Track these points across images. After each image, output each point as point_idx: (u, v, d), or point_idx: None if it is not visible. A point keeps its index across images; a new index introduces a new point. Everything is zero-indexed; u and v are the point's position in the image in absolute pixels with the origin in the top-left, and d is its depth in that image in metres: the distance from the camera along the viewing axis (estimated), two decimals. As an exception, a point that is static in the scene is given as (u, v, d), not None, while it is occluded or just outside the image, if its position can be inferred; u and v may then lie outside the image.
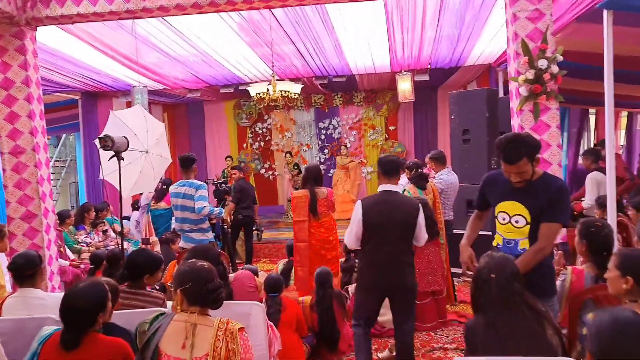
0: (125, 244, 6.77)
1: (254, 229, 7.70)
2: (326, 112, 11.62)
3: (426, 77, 8.20)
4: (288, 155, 10.55)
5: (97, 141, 3.92)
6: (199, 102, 11.82)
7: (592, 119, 8.98)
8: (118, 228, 7.04)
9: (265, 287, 3.85)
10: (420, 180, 5.07)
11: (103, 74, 7.27)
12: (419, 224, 3.24)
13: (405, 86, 7.64)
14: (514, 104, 4.39)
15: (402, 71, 6.86)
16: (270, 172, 11.91)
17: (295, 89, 6.57)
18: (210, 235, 4.90)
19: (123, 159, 3.96)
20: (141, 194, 7.21)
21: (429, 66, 7.91)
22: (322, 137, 11.69)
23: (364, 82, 9.83)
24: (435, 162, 5.39)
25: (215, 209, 4.80)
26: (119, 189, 3.97)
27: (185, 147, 12.07)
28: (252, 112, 11.78)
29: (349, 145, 11.17)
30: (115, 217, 7.56)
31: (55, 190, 12.58)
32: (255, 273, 4.16)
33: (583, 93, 6.38)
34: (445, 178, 5.26)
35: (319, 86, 9.49)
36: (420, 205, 3.38)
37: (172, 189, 4.88)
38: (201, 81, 8.12)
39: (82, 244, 6.14)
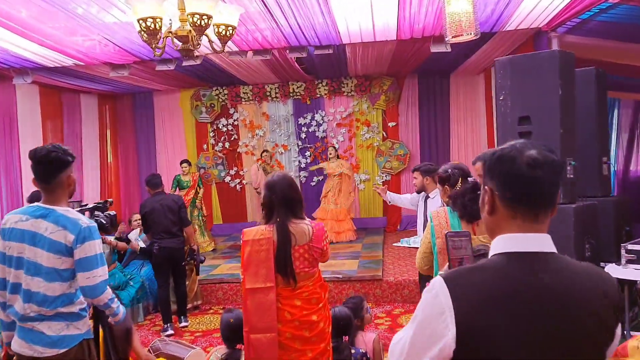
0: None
1: (184, 263, 5.21)
2: (308, 104, 9.15)
3: (446, 48, 5.82)
4: (265, 153, 8.52)
5: None
6: (147, 93, 9.31)
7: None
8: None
9: None
10: (472, 204, 2.54)
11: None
12: (616, 337, 1.13)
13: (461, 6, 3.64)
14: None
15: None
16: (238, 181, 9.40)
17: (229, 15, 3.14)
18: (85, 326, 2.34)
19: None
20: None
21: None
22: (303, 135, 9.21)
23: (357, 62, 7.38)
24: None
25: (119, 307, 2.39)
26: None
27: (130, 150, 9.54)
28: (214, 105, 9.27)
29: (337, 146, 8.65)
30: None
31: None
32: None
33: None
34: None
35: (295, 64, 7.01)
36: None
37: (11, 221, 2.35)
38: (124, 52, 5.58)
39: None
